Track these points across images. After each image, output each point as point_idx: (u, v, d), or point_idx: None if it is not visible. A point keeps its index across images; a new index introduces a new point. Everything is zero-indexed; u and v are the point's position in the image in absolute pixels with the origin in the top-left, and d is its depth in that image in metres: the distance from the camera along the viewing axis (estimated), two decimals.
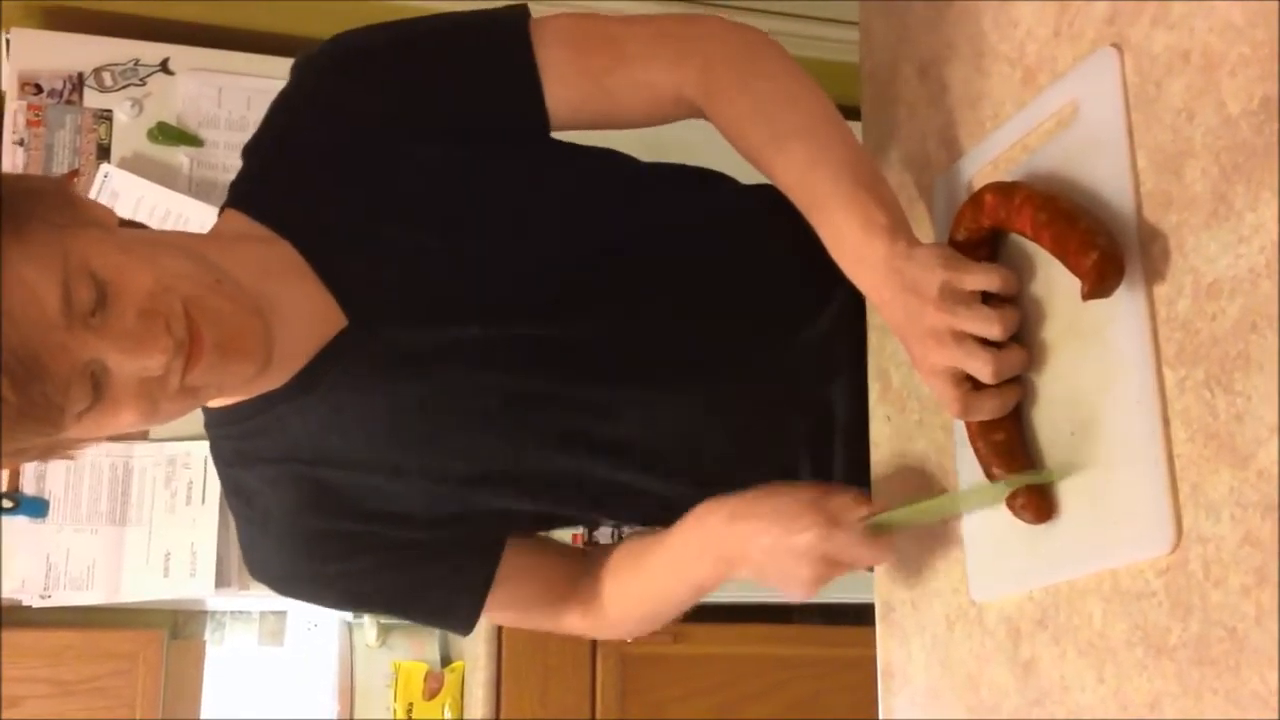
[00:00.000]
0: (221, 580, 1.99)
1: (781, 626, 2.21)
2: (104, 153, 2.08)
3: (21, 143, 2.05)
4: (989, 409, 0.83)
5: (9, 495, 1.95)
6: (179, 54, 2.14)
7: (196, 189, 2.09)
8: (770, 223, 1.04)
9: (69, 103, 2.08)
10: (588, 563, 1.17)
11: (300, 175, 1.00)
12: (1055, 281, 0.82)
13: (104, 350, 0.81)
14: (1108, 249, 0.74)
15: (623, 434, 1.03)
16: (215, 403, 1.00)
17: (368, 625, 2.41)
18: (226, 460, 1.05)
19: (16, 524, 1.96)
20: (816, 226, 0.92)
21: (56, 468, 1.99)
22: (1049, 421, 0.82)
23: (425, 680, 2.37)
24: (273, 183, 1.01)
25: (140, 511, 2.01)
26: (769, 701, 2.13)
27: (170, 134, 2.10)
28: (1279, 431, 0.63)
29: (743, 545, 0.97)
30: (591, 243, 1.01)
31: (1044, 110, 0.85)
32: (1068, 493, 0.80)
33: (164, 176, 2.08)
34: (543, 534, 1.19)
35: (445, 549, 1.08)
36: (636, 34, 1.02)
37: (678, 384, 1.03)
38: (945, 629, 0.93)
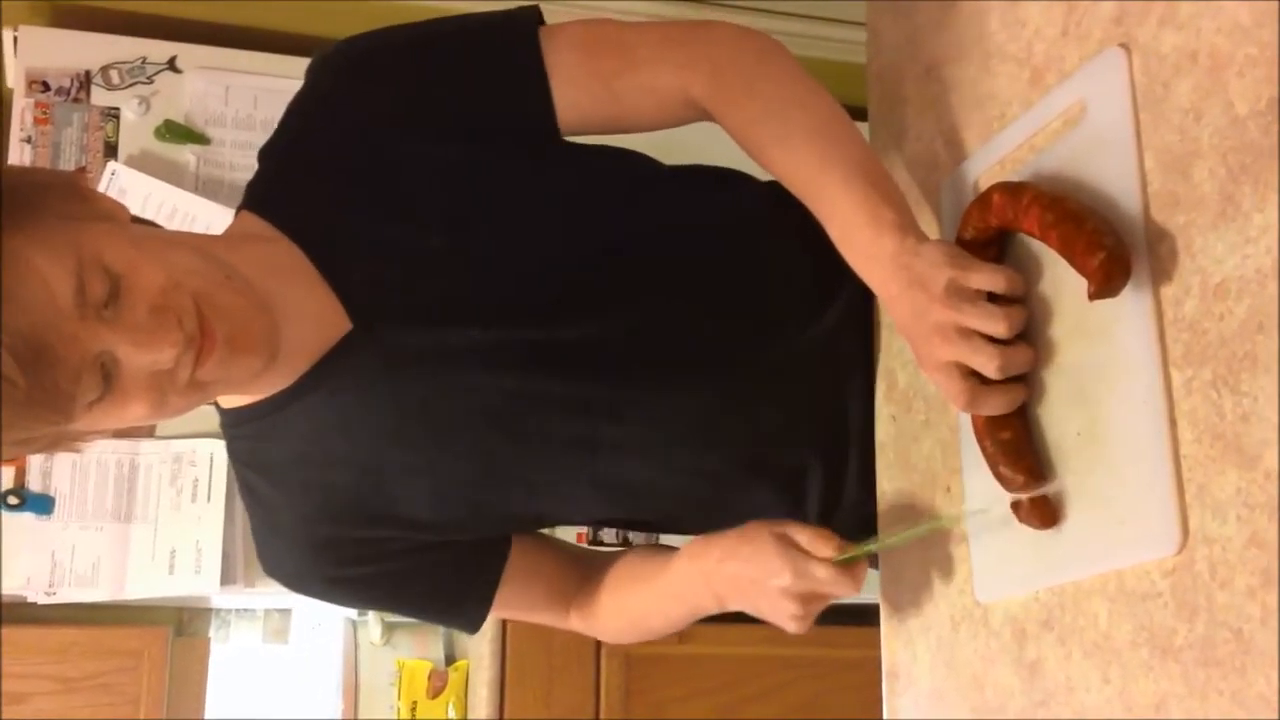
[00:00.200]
0: (226, 578, 1.99)
1: None
2: (111, 151, 2.08)
3: (29, 140, 2.05)
4: (995, 404, 0.83)
5: (14, 492, 1.95)
6: (186, 52, 2.14)
7: (203, 187, 2.09)
8: (778, 221, 1.05)
9: (76, 100, 2.08)
10: (591, 567, 1.18)
11: (311, 177, 1.01)
12: (1062, 281, 0.82)
13: (116, 342, 0.82)
14: (1114, 249, 0.74)
15: (628, 434, 1.03)
16: (228, 402, 1.01)
17: (372, 624, 2.41)
18: (243, 460, 1.05)
19: (22, 520, 1.96)
20: (825, 224, 0.93)
21: (62, 465, 1.99)
22: (1055, 421, 0.82)
23: (429, 679, 2.37)
24: (285, 185, 1.02)
25: (146, 508, 2.01)
26: (773, 702, 2.13)
27: (177, 132, 2.10)
28: None
29: (734, 586, 1.01)
30: (593, 243, 1.02)
31: (1051, 110, 0.85)
32: (1074, 493, 0.80)
33: (171, 174, 2.08)
34: (547, 533, 1.20)
35: (453, 549, 1.09)
36: (646, 39, 1.03)
37: (683, 383, 1.03)
38: (950, 630, 0.93)
